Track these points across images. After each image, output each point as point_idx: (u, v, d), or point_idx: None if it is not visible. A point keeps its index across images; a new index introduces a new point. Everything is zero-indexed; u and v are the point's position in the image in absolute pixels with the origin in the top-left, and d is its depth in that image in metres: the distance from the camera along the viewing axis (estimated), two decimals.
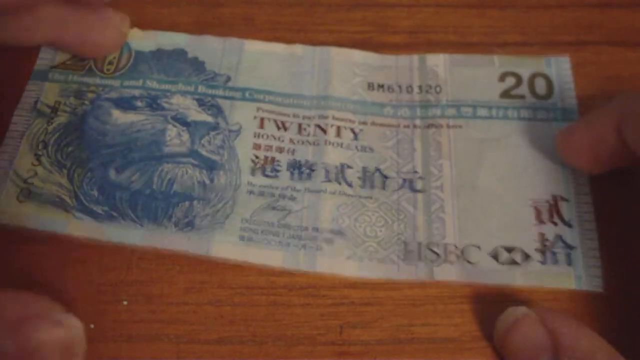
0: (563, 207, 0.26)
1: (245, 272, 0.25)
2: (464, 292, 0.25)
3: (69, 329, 0.22)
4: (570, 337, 0.22)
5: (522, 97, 0.28)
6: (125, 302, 0.25)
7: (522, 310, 0.23)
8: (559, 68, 0.29)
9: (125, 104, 0.28)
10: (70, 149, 0.27)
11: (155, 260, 0.25)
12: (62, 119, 0.27)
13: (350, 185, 0.27)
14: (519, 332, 0.23)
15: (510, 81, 0.28)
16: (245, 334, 0.24)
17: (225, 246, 0.25)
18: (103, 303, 0.24)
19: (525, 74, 0.29)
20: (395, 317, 0.25)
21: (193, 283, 0.25)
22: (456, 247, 0.25)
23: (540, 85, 0.28)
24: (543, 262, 0.25)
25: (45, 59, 0.29)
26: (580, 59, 0.29)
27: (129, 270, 0.25)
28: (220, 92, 0.28)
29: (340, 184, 0.27)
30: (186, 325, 0.24)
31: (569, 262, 0.25)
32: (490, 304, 0.24)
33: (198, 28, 0.30)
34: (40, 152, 0.26)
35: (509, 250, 0.25)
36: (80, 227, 0.25)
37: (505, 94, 0.28)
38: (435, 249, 0.25)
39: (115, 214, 0.25)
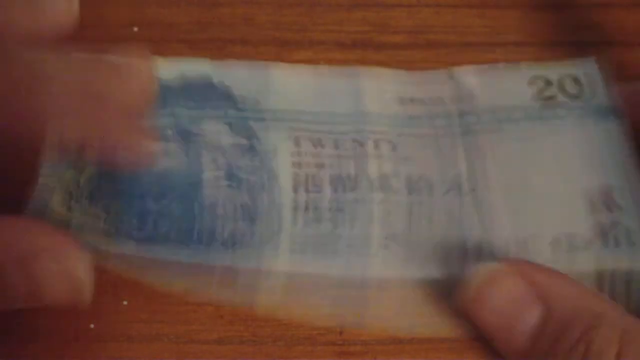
0: (616, 194, 0.25)
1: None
2: None
3: (76, 262, 0.22)
4: (556, 285, 0.21)
5: (553, 97, 0.28)
6: (125, 302, 0.25)
7: (493, 265, 0.22)
8: (587, 68, 0.28)
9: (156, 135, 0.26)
10: (105, 191, 0.25)
11: None
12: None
13: (397, 192, 0.26)
14: (497, 289, 0.21)
15: (540, 84, 0.28)
16: (245, 334, 0.24)
17: (277, 260, 0.24)
18: (103, 303, 0.24)
19: (553, 76, 0.28)
20: None
21: None
22: (516, 242, 0.25)
23: (570, 85, 0.28)
24: (605, 246, 0.24)
25: None
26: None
27: None
28: (250, 114, 0.28)
29: (386, 192, 0.26)
30: (186, 325, 0.24)
31: (631, 243, 0.24)
32: None
33: (198, 28, 0.30)
34: (74, 201, 0.25)
35: (570, 236, 0.25)
36: (122, 250, 0.24)
37: (537, 96, 0.28)
38: (494, 250, 0.25)
39: (158, 237, 0.25)
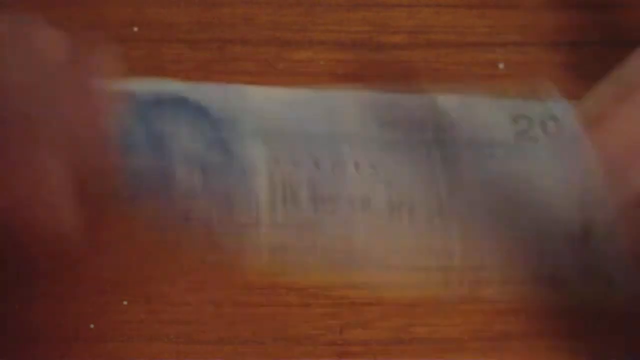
0: (596, 233, 0.25)
1: (246, 272, 0.25)
2: None
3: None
4: None
5: (533, 136, 0.27)
6: (125, 302, 0.25)
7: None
8: (563, 109, 0.28)
9: (130, 147, 0.25)
10: None
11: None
12: None
13: (377, 215, 0.26)
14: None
15: (523, 123, 0.27)
16: (245, 334, 0.24)
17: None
18: (103, 303, 0.25)
19: (535, 117, 0.27)
20: (395, 317, 0.25)
21: (193, 283, 0.25)
22: (496, 270, 0.25)
23: (551, 126, 0.27)
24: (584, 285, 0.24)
25: None
26: (580, 59, 0.29)
27: (129, 270, 0.25)
28: (228, 134, 0.27)
29: (366, 213, 0.26)
30: (186, 325, 0.24)
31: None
32: (488, 304, 0.24)
33: (198, 28, 0.30)
34: None
35: (551, 277, 0.25)
36: None
37: (520, 136, 0.27)
38: (475, 275, 0.25)
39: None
